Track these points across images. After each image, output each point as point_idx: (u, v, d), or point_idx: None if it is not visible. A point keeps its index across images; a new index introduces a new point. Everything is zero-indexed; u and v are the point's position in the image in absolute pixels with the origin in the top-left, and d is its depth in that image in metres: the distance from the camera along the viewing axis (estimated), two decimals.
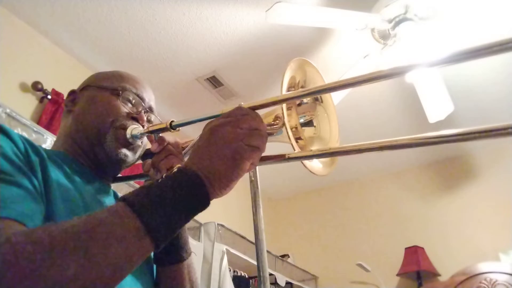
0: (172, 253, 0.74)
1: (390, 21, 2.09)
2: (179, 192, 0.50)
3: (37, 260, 0.39)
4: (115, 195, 0.82)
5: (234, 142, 0.54)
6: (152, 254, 0.76)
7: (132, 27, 2.39)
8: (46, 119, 2.22)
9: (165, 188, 0.50)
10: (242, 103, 0.61)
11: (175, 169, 0.53)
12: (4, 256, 0.39)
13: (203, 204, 0.52)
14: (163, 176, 0.53)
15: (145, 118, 0.81)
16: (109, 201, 0.77)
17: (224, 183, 0.53)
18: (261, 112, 0.61)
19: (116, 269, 0.44)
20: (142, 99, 0.83)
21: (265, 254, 0.64)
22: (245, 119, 0.56)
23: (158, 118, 0.85)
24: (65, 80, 2.39)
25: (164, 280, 0.75)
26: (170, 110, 3.01)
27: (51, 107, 2.26)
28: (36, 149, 0.62)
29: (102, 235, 0.43)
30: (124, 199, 0.48)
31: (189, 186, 0.51)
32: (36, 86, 2.25)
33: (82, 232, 0.43)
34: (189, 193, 0.50)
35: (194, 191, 0.51)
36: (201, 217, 2.57)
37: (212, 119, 0.59)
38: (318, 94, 0.68)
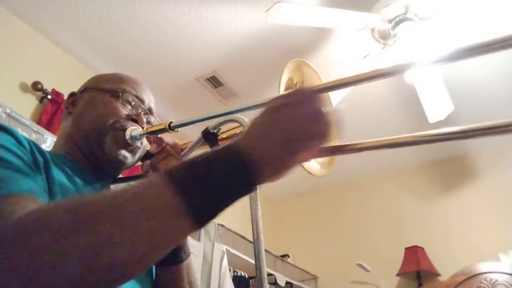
0: (170, 254, 0.73)
1: (390, 21, 2.09)
2: (226, 172, 0.45)
3: (66, 230, 0.38)
4: None
5: (293, 125, 0.48)
6: None
7: (132, 27, 2.39)
8: (46, 119, 2.22)
9: (211, 165, 0.45)
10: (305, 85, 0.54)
11: (223, 145, 0.48)
12: (35, 222, 0.39)
13: (250, 188, 0.47)
14: (210, 150, 0.48)
15: (144, 120, 0.81)
16: None
17: (276, 169, 0.48)
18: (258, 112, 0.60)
19: (150, 247, 0.41)
20: (141, 101, 0.83)
21: (264, 254, 0.64)
22: (311, 102, 0.51)
23: (158, 120, 0.86)
24: (65, 80, 2.39)
25: (163, 281, 0.75)
26: (170, 110, 3.01)
27: (51, 107, 2.26)
28: (40, 150, 0.63)
29: (136, 209, 0.41)
30: (165, 172, 0.44)
31: (237, 167, 0.45)
32: (36, 86, 2.25)
33: (115, 204, 0.41)
34: (236, 174, 0.45)
35: (242, 173, 0.45)
36: None
37: (271, 99, 0.53)
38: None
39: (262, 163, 0.46)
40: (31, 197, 0.50)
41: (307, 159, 0.52)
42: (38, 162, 0.59)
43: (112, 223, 0.39)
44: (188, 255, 0.77)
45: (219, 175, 0.44)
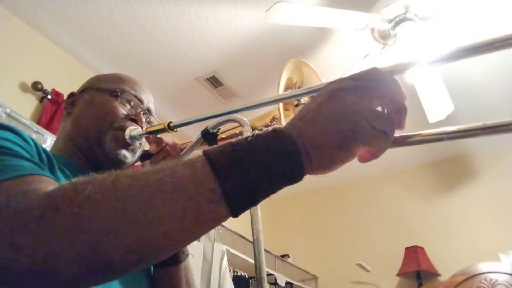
0: (170, 256, 0.74)
1: (390, 21, 2.09)
2: (270, 159, 0.40)
3: (96, 202, 0.38)
4: None
5: (355, 115, 0.41)
6: None
7: (132, 27, 2.39)
8: (46, 119, 2.22)
9: (253, 149, 0.41)
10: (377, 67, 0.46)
11: (269, 129, 0.43)
12: (68, 193, 0.39)
13: (295, 178, 0.42)
14: (254, 134, 0.42)
15: (143, 120, 0.81)
16: None
17: (325, 161, 0.42)
18: (258, 112, 0.61)
19: (178, 229, 0.39)
20: (140, 100, 0.83)
21: (263, 254, 0.64)
22: (379, 87, 0.44)
23: (157, 120, 0.86)
24: (65, 80, 2.39)
25: (160, 282, 0.75)
26: (170, 110, 3.02)
27: (51, 107, 2.26)
28: (45, 151, 0.63)
29: (170, 187, 0.39)
30: (205, 153, 0.41)
31: (283, 154, 0.41)
32: (36, 86, 2.25)
33: (150, 180, 0.39)
34: (281, 162, 0.41)
35: (287, 162, 0.41)
36: None
37: (334, 81, 0.46)
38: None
39: (309, 151, 0.41)
40: (51, 178, 0.49)
41: (366, 160, 0.46)
42: (44, 161, 0.59)
43: (145, 200, 0.38)
44: (186, 256, 0.77)
45: (262, 162, 0.40)
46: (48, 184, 0.45)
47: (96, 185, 0.39)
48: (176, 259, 0.75)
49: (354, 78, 0.45)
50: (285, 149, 0.41)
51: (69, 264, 0.36)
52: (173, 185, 0.39)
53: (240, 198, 0.40)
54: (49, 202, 0.39)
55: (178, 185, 0.39)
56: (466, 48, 0.49)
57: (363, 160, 0.46)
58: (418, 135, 0.49)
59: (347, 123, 0.41)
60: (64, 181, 0.64)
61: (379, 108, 0.43)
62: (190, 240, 0.42)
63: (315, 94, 0.46)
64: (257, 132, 0.42)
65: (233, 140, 0.42)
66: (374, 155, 0.45)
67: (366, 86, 0.43)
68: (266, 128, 0.43)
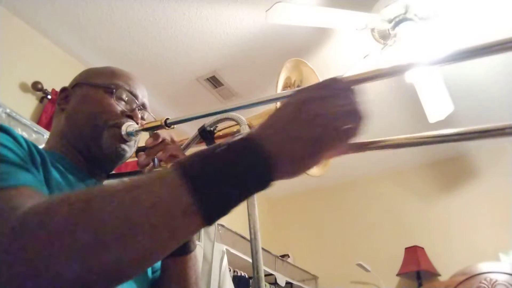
0: (181, 245, 0.72)
1: (390, 21, 2.09)
2: (240, 168, 0.42)
3: (73, 223, 0.37)
4: None
5: (322, 123, 0.44)
6: None
7: (132, 27, 2.39)
8: (46, 119, 2.22)
9: (225, 160, 0.42)
10: (339, 76, 0.50)
11: (239, 137, 0.45)
12: (39, 216, 0.38)
13: (264, 185, 0.44)
14: (224, 143, 0.44)
15: (139, 115, 0.81)
16: None
17: (293, 168, 0.45)
18: (256, 110, 0.61)
19: (156, 243, 0.40)
20: (135, 96, 0.82)
21: (261, 254, 0.64)
22: (343, 96, 0.47)
23: (152, 115, 0.85)
24: (65, 80, 2.36)
25: (171, 271, 0.75)
26: (170, 110, 3.02)
27: (51, 107, 2.26)
28: (38, 149, 0.63)
29: (146, 203, 0.39)
30: (177, 166, 0.42)
31: (253, 163, 0.42)
32: (36, 86, 2.25)
33: (124, 197, 0.40)
34: (251, 171, 0.42)
35: (257, 170, 0.43)
36: None
37: (300, 89, 0.49)
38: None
39: (279, 159, 0.43)
40: (34, 189, 0.49)
41: (332, 156, 0.49)
42: (36, 161, 0.59)
43: (120, 219, 0.38)
44: (195, 246, 0.78)
45: (235, 173, 0.42)
46: (28, 199, 0.45)
47: (70, 208, 0.39)
48: (188, 248, 0.75)
49: (318, 88, 0.48)
50: (255, 159, 0.42)
51: None
52: (149, 202, 0.39)
53: (215, 209, 0.41)
54: (20, 225, 0.38)
55: (154, 202, 0.39)
56: (466, 50, 0.49)
57: (331, 158, 0.50)
58: (382, 141, 0.53)
59: (314, 130, 0.44)
60: (58, 179, 0.65)
61: (343, 115, 0.46)
62: (166, 254, 0.43)
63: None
64: (227, 141, 0.44)
65: (204, 150, 0.44)
66: (340, 153, 0.49)
67: (330, 95, 0.46)
68: (238, 135, 0.44)
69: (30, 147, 0.60)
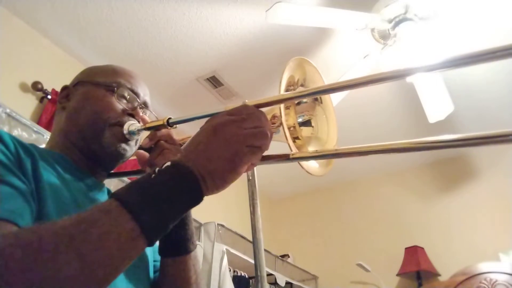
0: (180, 245, 0.74)
1: (390, 21, 2.10)
2: (173, 191, 0.49)
3: (27, 264, 0.39)
4: (108, 191, 0.82)
5: (235, 143, 0.53)
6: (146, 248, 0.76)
7: (132, 27, 2.39)
8: (46, 119, 2.22)
9: (159, 185, 0.49)
10: (247, 101, 0.59)
11: (168, 163, 0.52)
12: None
13: (196, 202, 0.52)
14: (156, 170, 0.51)
15: (141, 114, 0.80)
16: (102, 197, 0.77)
17: (218, 183, 0.53)
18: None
19: (109, 270, 0.44)
20: (137, 94, 0.82)
21: (263, 253, 0.64)
22: (250, 119, 0.55)
23: (153, 114, 0.84)
24: (65, 80, 2.36)
25: (171, 272, 0.75)
26: (170, 110, 3.02)
27: (51, 107, 2.26)
28: (27, 149, 0.62)
29: (95, 236, 0.43)
30: (117, 197, 0.47)
31: (183, 185, 0.50)
32: (36, 86, 2.25)
33: (74, 233, 0.42)
34: (183, 192, 0.50)
35: (188, 190, 0.50)
36: (201, 217, 2.57)
37: (215, 115, 0.58)
38: (319, 94, 0.68)
39: (205, 178, 0.51)
40: (5, 222, 0.49)
41: (248, 170, 0.57)
42: (23, 163, 0.59)
43: (71, 253, 0.41)
44: (195, 246, 0.77)
45: (169, 196, 0.48)
46: None
47: (22, 250, 0.40)
48: (187, 249, 0.75)
49: (230, 113, 0.57)
50: (185, 180, 0.50)
51: None
52: (96, 234, 0.43)
53: (156, 230, 0.47)
54: None
55: (101, 232, 0.43)
56: (467, 56, 0.49)
57: (247, 171, 0.58)
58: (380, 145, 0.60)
59: (231, 150, 0.53)
60: (52, 178, 0.64)
61: (254, 134, 0.55)
62: (118, 275, 0.46)
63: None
64: (157, 169, 0.51)
65: (140, 179, 0.50)
66: (254, 165, 0.59)
67: (240, 118, 0.55)
68: (164, 164, 0.51)
69: (18, 149, 0.60)
